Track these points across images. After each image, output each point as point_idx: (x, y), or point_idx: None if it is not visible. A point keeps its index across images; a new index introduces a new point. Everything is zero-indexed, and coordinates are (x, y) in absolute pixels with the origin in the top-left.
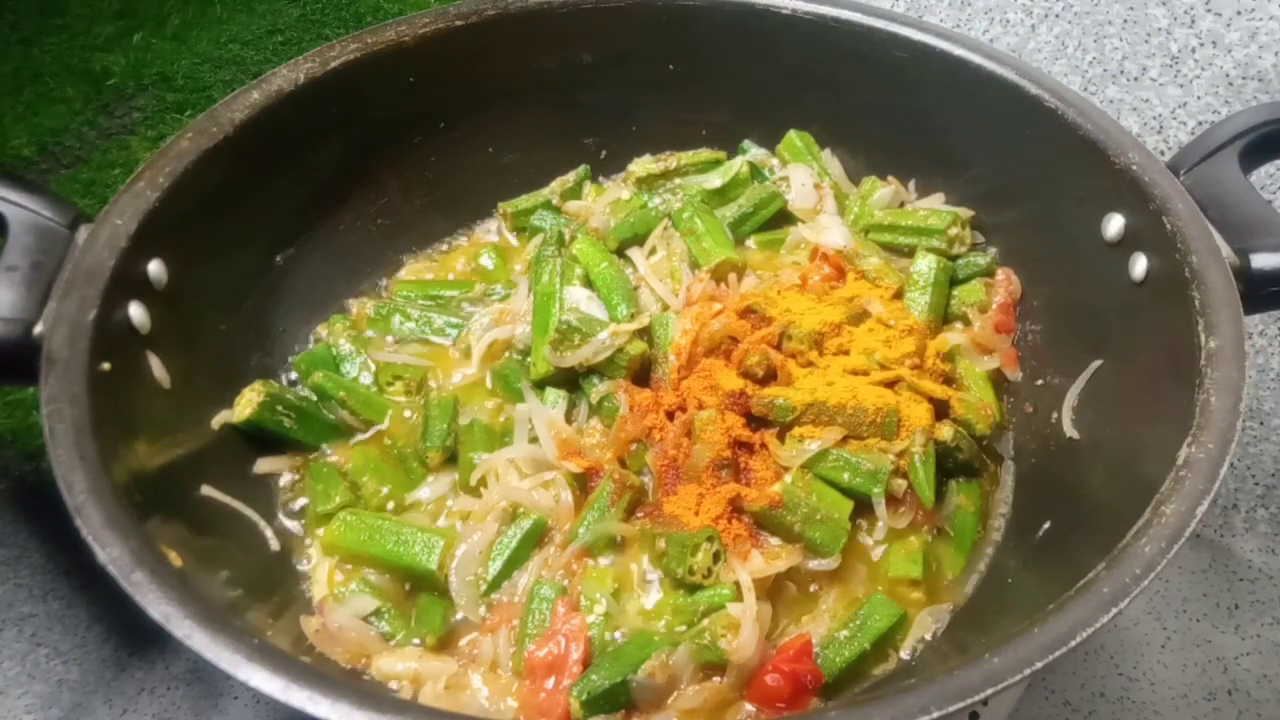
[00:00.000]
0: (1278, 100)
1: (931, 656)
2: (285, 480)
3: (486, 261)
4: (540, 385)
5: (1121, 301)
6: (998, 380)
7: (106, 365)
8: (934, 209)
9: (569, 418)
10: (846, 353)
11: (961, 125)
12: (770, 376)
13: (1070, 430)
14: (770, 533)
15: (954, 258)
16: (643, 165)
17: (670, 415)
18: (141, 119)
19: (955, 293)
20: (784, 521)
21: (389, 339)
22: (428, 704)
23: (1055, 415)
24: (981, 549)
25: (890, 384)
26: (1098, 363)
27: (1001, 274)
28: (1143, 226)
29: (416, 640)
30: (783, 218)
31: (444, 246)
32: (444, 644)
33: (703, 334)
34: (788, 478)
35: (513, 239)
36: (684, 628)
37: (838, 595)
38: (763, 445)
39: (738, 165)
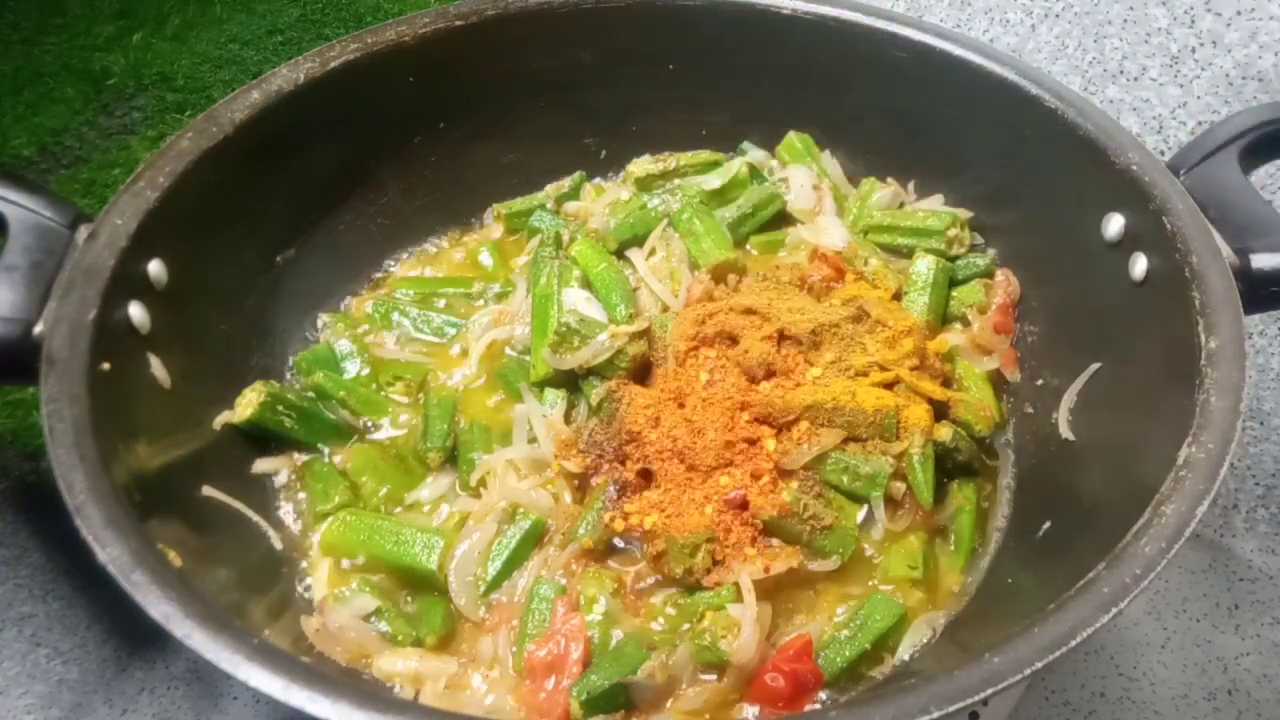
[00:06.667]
0: (1278, 100)
1: (931, 657)
2: (285, 480)
3: (485, 261)
4: (540, 385)
5: (1121, 302)
6: (997, 381)
7: (106, 365)
8: (933, 210)
9: (568, 418)
10: (845, 354)
11: (961, 125)
12: (769, 377)
13: (1066, 432)
14: (775, 537)
15: (953, 259)
16: (642, 166)
17: (676, 404)
18: (141, 119)
19: (954, 294)
20: (793, 529)
21: (388, 338)
22: (428, 704)
23: (1055, 416)
24: (981, 549)
25: (889, 385)
26: (1096, 365)
27: (1000, 275)
28: (1143, 226)
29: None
30: (782, 219)
31: (443, 245)
32: (444, 644)
33: (703, 330)
34: (794, 483)
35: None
36: (684, 628)
37: (838, 595)
38: (762, 446)
39: (737, 166)
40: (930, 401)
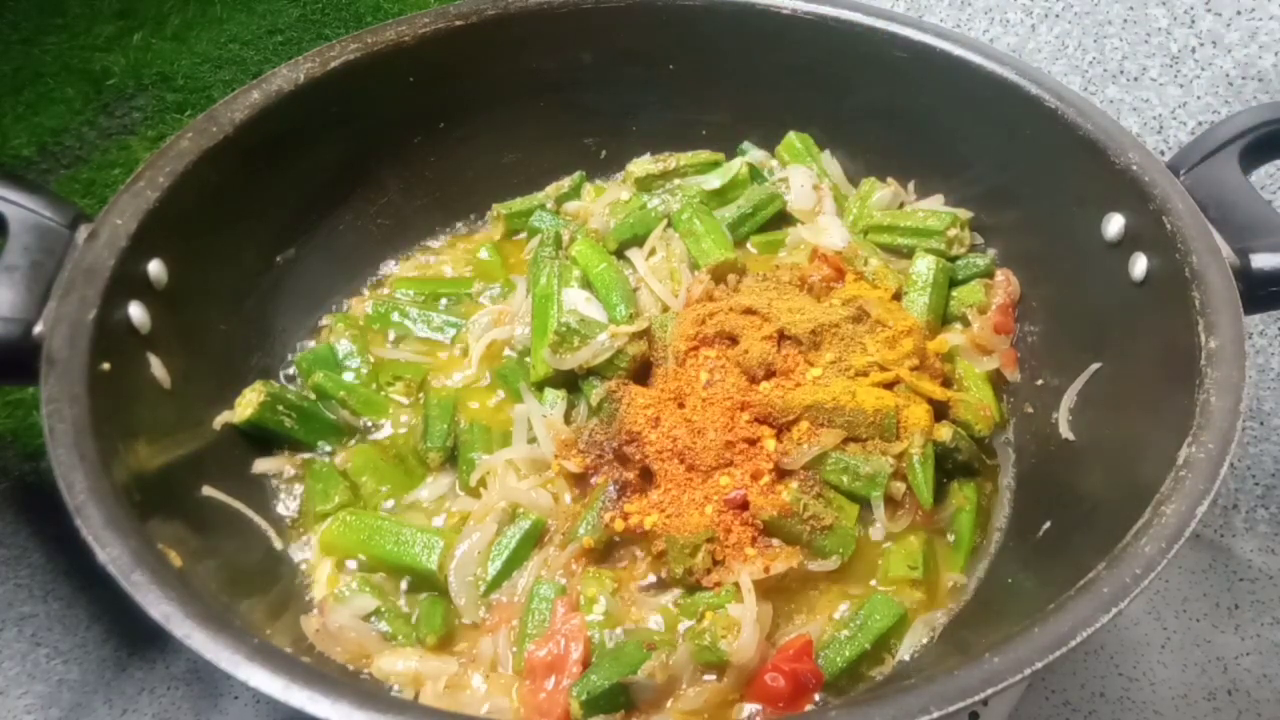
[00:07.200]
0: (1278, 100)
1: (931, 657)
2: (285, 480)
3: (485, 261)
4: (540, 385)
5: (1121, 302)
6: (997, 381)
7: (106, 365)
8: (933, 210)
9: (568, 418)
10: (845, 354)
11: (961, 125)
12: (769, 377)
13: (1066, 432)
14: (775, 537)
15: (953, 259)
16: (642, 166)
17: (676, 404)
18: (141, 119)
19: (954, 294)
20: (793, 530)
21: (388, 337)
22: (428, 704)
23: (1055, 416)
24: (981, 549)
25: (889, 385)
26: (1096, 365)
27: (1000, 275)
28: (1143, 226)
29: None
30: (782, 219)
31: (443, 245)
32: (444, 644)
33: (703, 330)
34: (794, 483)
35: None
36: (684, 627)
37: (838, 595)
38: (762, 446)
39: (737, 166)
40: (930, 401)
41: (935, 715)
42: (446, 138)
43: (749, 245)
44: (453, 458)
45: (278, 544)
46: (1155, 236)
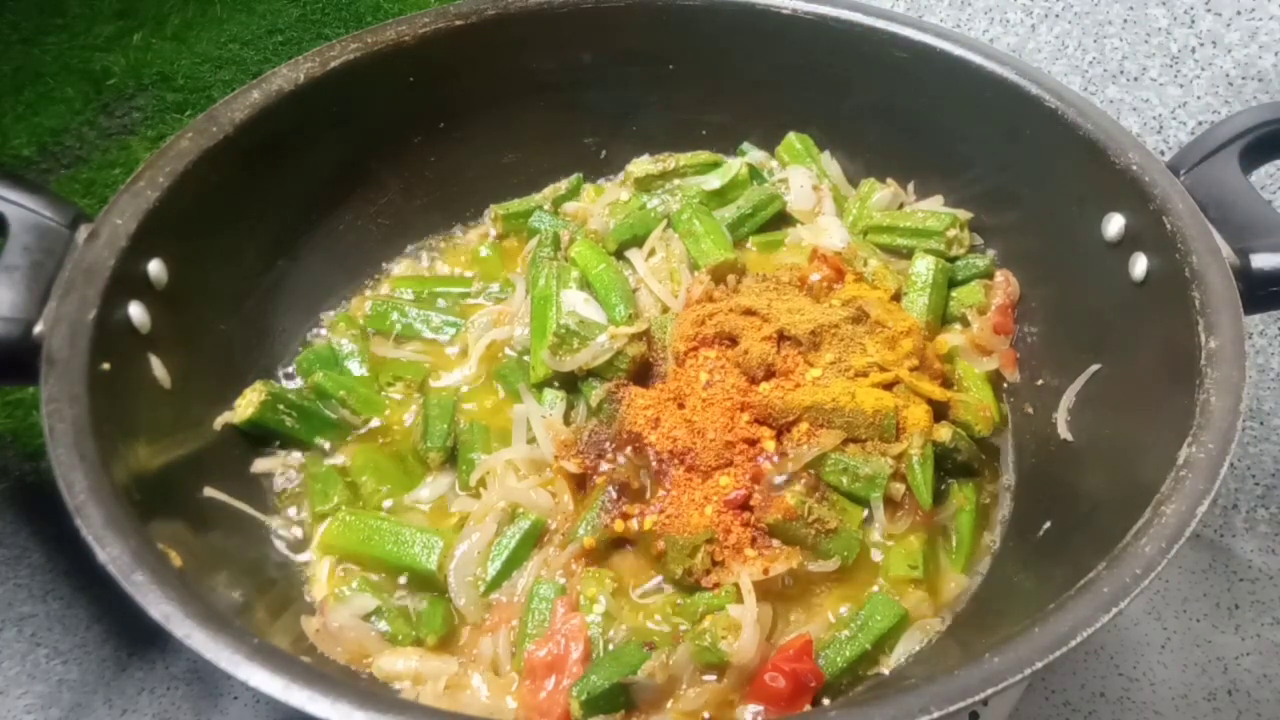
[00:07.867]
0: (1278, 100)
1: (931, 656)
2: (285, 480)
3: (485, 261)
4: (539, 386)
5: (1121, 302)
6: (997, 381)
7: (106, 365)
8: (933, 211)
9: (568, 419)
10: (845, 354)
11: (961, 125)
12: (769, 377)
13: (1066, 433)
14: (778, 539)
15: (953, 259)
16: (641, 166)
17: (676, 405)
18: (141, 119)
19: (954, 294)
20: (797, 533)
21: (388, 337)
22: (428, 704)
23: (1054, 416)
24: (981, 549)
25: (889, 386)
26: (1096, 365)
27: (1000, 275)
28: (1143, 226)
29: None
30: (781, 219)
31: (443, 245)
32: (444, 644)
33: (703, 330)
34: (796, 485)
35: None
36: (684, 628)
37: (838, 595)
38: (762, 447)
39: (736, 167)
40: (930, 402)
41: (935, 715)
42: (446, 138)
43: (749, 245)
44: (453, 458)
45: (277, 543)
46: (1155, 236)
